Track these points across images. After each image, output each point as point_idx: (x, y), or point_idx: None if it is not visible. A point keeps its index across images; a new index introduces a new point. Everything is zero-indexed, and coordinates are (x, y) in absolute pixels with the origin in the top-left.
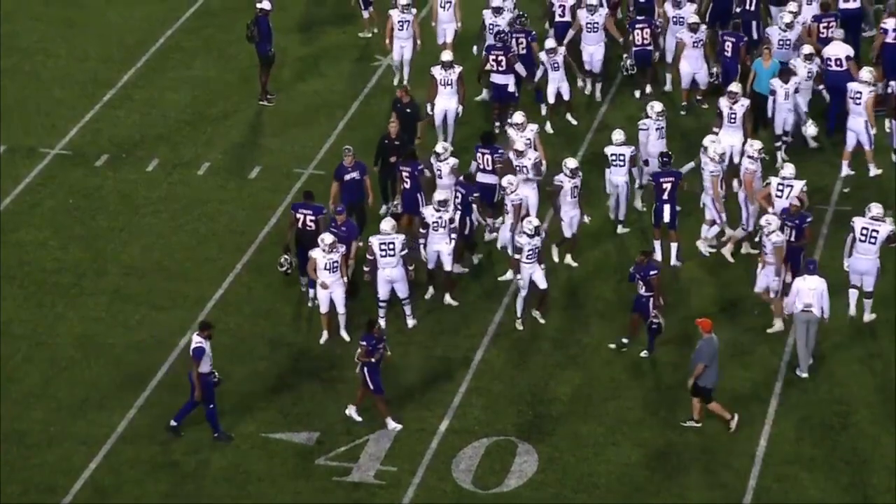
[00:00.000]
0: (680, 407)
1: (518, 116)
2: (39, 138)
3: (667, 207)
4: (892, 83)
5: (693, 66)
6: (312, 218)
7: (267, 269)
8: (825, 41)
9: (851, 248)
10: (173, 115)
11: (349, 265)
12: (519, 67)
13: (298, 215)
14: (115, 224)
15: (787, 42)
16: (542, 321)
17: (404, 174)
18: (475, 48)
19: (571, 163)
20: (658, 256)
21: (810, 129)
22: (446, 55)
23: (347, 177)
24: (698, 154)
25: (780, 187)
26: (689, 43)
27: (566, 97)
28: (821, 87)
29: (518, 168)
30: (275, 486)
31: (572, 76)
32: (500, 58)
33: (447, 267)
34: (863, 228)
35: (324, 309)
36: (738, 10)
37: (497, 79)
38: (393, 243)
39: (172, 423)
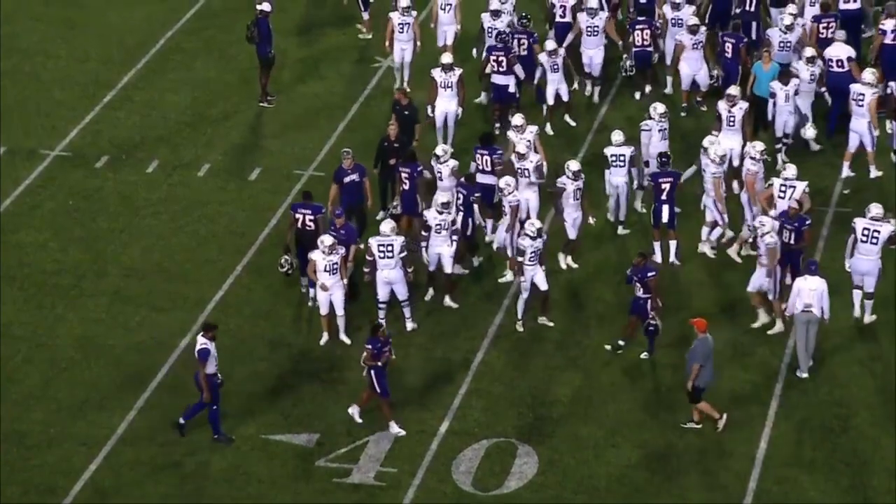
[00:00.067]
0: (680, 409)
1: (518, 119)
2: (39, 140)
3: (665, 208)
4: (891, 84)
5: (693, 68)
6: (311, 217)
7: (267, 270)
8: (825, 42)
9: (853, 248)
10: (173, 116)
11: (348, 268)
12: (518, 69)
13: (297, 215)
14: (115, 225)
15: (788, 44)
16: (550, 325)
17: (403, 175)
18: (475, 51)
19: (574, 165)
20: (658, 258)
21: (809, 132)
22: (446, 57)
23: (347, 179)
24: (698, 156)
25: (783, 188)
26: (688, 45)
27: (565, 98)
28: (822, 89)
29: (519, 171)
30: (275, 488)
31: (570, 78)
32: (500, 58)
33: (448, 269)
34: (864, 229)
35: (324, 311)
36: (737, 10)
37: (498, 79)
38: (392, 245)
39: (181, 420)
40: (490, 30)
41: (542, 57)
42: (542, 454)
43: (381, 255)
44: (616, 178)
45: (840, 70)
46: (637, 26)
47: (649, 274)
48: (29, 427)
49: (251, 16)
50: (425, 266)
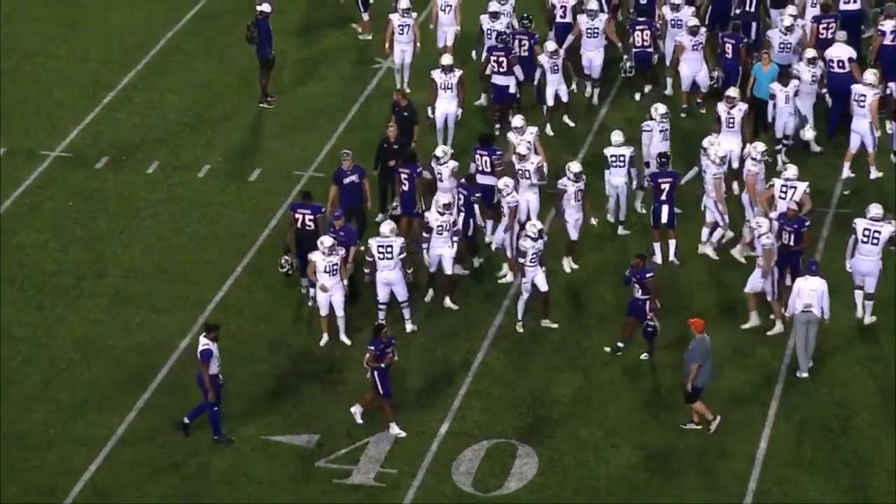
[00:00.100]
0: (680, 409)
1: (517, 120)
2: (39, 140)
3: (665, 208)
4: (890, 85)
5: (692, 69)
6: (311, 217)
7: (267, 271)
8: (825, 42)
9: (853, 249)
10: (173, 117)
11: (348, 269)
12: (517, 70)
13: (297, 215)
14: (115, 226)
15: (788, 45)
16: (554, 326)
17: (403, 177)
18: (474, 52)
19: (575, 167)
20: (658, 258)
21: (808, 133)
22: (446, 59)
23: (346, 180)
24: (698, 157)
25: (784, 189)
26: (688, 46)
27: (564, 99)
28: (823, 90)
29: (520, 172)
30: (275, 489)
31: (568, 79)
32: (501, 59)
33: (448, 270)
34: (865, 229)
35: (323, 312)
36: (737, 11)
37: (498, 80)
38: (391, 246)
39: (185, 420)
40: (489, 31)
41: (543, 58)
42: (542, 455)
43: (381, 255)
44: (616, 179)
45: (841, 71)
46: (637, 27)
47: (647, 275)
48: (29, 428)
49: (251, 17)
50: (426, 267)
